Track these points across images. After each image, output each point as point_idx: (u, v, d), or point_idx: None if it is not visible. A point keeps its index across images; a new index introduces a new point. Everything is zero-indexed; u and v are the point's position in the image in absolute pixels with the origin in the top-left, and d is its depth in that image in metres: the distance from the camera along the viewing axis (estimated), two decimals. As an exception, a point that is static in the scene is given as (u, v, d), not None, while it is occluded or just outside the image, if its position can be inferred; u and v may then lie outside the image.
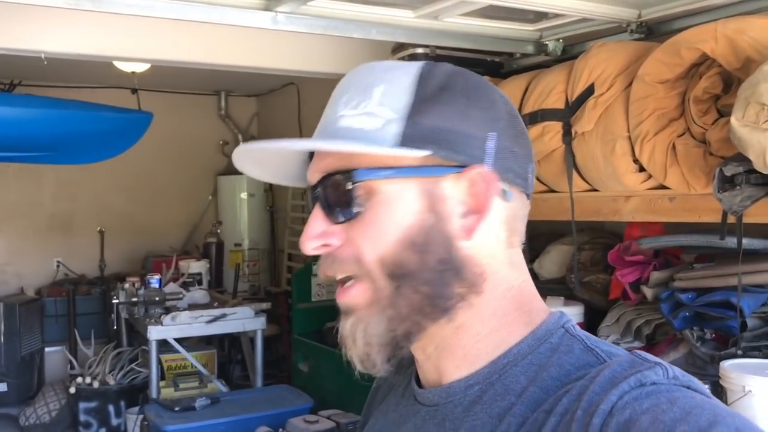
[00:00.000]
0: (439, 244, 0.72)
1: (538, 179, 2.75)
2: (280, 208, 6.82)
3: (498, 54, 3.33)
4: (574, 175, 2.55)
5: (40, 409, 5.26)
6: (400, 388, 0.87)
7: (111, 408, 5.09)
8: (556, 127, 2.56)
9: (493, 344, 0.75)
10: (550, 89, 2.58)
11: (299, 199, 6.38)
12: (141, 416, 4.29)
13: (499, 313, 0.75)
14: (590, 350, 0.72)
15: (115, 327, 5.10)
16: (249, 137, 7.12)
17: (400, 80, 0.75)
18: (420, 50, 3.24)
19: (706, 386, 2.12)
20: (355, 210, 0.73)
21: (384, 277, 0.72)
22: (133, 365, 5.28)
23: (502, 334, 0.75)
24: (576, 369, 0.70)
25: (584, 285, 2.86)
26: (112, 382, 5.11)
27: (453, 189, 0.73)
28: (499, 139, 0.74)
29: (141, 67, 4.91)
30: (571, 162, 2.53)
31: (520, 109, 2.70)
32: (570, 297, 2.81)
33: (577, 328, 0.77)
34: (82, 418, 5.09)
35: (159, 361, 4.55)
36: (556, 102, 2.56)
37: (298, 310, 5.12)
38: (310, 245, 0.74)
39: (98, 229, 6.56)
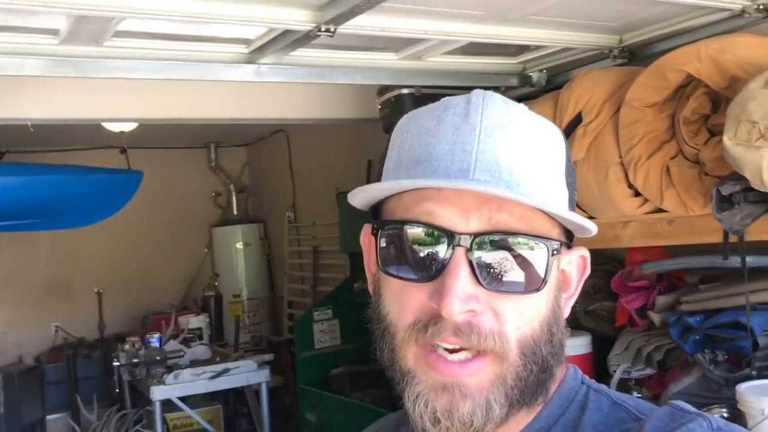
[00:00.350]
0: (561, 322, 0.69)
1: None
2: (277, 256, 6.79)
3: (483, 89, 3.34)
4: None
5: (44, 480, 5.14)
6: None
7: (117, 473, 4.98)
8: (547, 157, 2.55)
9: (530, 408, 0.71)
10: (539, 120, 2.58)
11: (296, 245, 6.35)
12: (149, 480, 4.20)
13: None
14: (618, 406, 0.70)
15: (117, 389, 5.02)
16: (241, 187, 7.12)
17: (557, 138, 0.70)
18: (405, 90, 3.25)
19: (723, 410, 2.08)
20: (538, 284, 0.64)
21: (518, 358, 0.65)
22: (137, 427, 5.17)
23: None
24: (609, 428, 0.67)
25: (589, 314, 2.82)
26: (117, 446, 5.01)
27: (555, 267, 0.69)
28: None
29: (129, 127, 4.92)
30: (565, 191, 2.51)
31: (510, 142, 2.70)
32: (576, 327, 2.76)
33: (593, 381, 0.75)
34: (89, 486, 4.97)
35: (164, 421, 4.47)
36: (546, 133, 2.55)
37: (302, 358, 5.04)
38: (459, 307, 0.62)
39: (96, 290, 6.51)
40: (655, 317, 2.38)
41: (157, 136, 6.06)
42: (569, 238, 0.70)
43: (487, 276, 0.63)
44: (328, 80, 2.58)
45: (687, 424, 0.61)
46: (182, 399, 4.36)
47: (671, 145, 2.20)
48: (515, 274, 0.63)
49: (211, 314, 5.87)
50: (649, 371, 2.43)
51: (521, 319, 0.64)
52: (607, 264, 3.02)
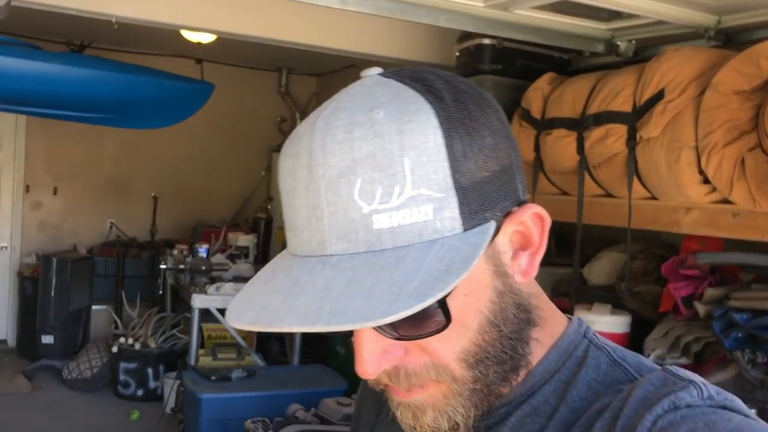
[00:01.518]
0: (513, 304, 0.63)
1: (596, 182, 2.69)
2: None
3: (566, 51, 3.26)
4: (635, 181, 2.48)
5: (82, 364, 5.41)
6: (384, 423, 0.79)
7: (150, 371, 5.20)
8: (620, 130, 2.49)
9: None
10: (618, 91, 2.51)
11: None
12: (178, 382, 4.38)
13: (541, 332, 0.69)
14: (618, 365, 0.67)
15: (160, 292, 5.20)
16: (306, 116, 7.14)
17: (426, 140, 0.58)
18: (487, 41, 3.20)
19: (753, 411, 2.05)
20: (443, 322, 0.59)
21: (466, 371, 0.62)
22: (174, 331, 5.38)
23: (533, 350, 0.68)
24: (604, 387, 0.65)
25: (634, 295, 2.79)
26: (153, 345, 5.21)
27: (504, 238, 0.63)
28: (516, 152, 0.64)
29: (207, 38, 4.96)
30: (633, 167, 2.46)
31: (584, 110, 2.63)
32: (618, 305, 2.74)
33: (600, 336, 0.71)
34: (122, 377, 5.22)
35: (200, 330, 4.62)
36: (623, 105, 2.48)
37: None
38: (372, 371, 0.60)
39: (152, 194, 6.69)
40: (701, 308, 2.34)
41: (233, 53, 6.10)
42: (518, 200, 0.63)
43: (389, 332, 0.59)
44: (411, 18, 2.54)
45: (677, 392, 0.58)
46: (220, 312, 4.49)
47: (751, 137, 2.12)
48: (417, 321, 0.58)
49: (259, 235, 5.99)
50: (683, 361, 2.41)
51: (450, 341, 0.61)
52: (660, 248, 2.97)
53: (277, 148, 6.93)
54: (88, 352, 5.54)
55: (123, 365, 5.22)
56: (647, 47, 2.83)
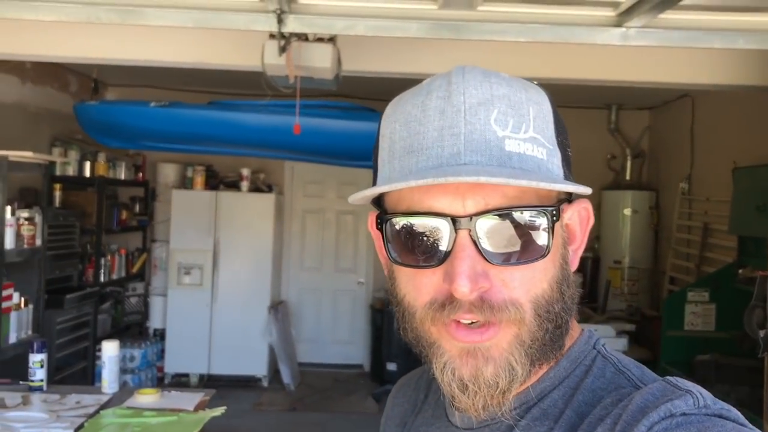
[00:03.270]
0: (570, 277, 0.70)
1: None
2: (665, 228, 6.47)
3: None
4: None
5: (420, 391, 5.90)
6: (429, 409, 0.83)
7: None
8: None
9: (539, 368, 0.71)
10: None
11: (686, 218, 5.98)
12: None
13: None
14: (621, 373, 0.70)
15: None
16: (637, 152, 6.91)
17: (544, 103, 0.69)
18: (813, 57, 2.85)
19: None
20: (543, 251, 0.65)
21: (533, 319, 0.66)
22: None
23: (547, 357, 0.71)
24: (607, 393, 0.68)
25: None
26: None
27: (568, 219, 0.71)
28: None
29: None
30: None
31: None
32: None
33: (609, 348, 0.74)
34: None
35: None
36: None
37: (668, 337, 4.82)
38: (469, 288, 0.63)
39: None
40: None
41: (558, 95, 6.21)
42: (569, 193, 0.70)
43: (491, 253, 0.64)
44: (703, 44, 2.40)
45: (673, 400, 0.60)
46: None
47: None
48: (518, 247, 0.64)
49: (585, 275, 5.93)
50: None
51: (530, 283, 0.66)
52: None
53: (607, 186, 6.81)
54: (426, 380, 6.02)
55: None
56: None
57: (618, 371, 0.71)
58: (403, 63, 3.55)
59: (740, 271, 4.52)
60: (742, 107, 4.97)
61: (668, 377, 0.66)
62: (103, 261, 6.05)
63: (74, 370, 5.25)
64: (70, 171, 5.91)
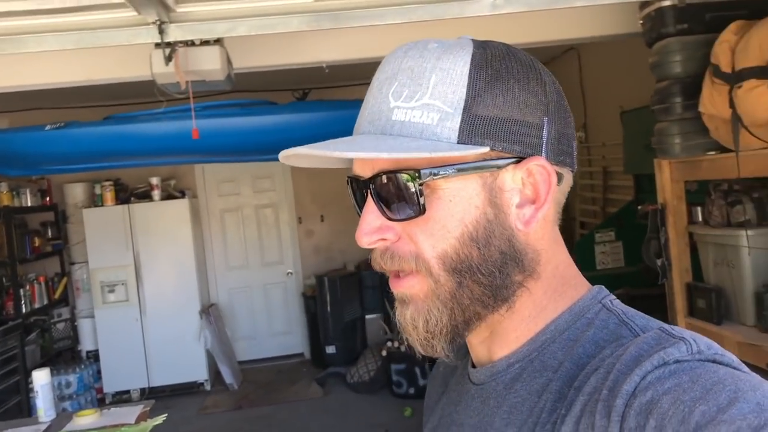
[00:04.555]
0: (500, 236, 0.72)
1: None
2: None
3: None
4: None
5: (361, 369, 6.04)
6: (459, 370, 0.88)
7: (418, 370, 5.65)
8: (812, 69, 2.27)
9: (537, 322, 0.75)
10: (804, 27, 2.29)
11: (587, 165, 6.30)
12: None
13: (549, 292, 0.75)
14: (625, 324, 0.71)
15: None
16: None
17: (455, 68, 0.71)
18: (667, 2, 3.07)
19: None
20: (417, 209, 0.71)
21: (445, 273, 0.71)
22: (434, 331, 5.77)
23: (547, 312, 0.75)
24: (608, 344, 0.69)
25: None
26: (416, 346, 5.66)
27: (511, 180, 0.73)
28: (553, 124, 0.73)
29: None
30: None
31: (772, 54, 2.43)
32: None
33: (616, 302, 0.75)
34: (394, 378, 5.73)
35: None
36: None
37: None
38: (366, 240, 0.72)
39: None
40: None
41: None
42: (541, 153, 0.73)
43: (385, 209, 0.72)
44: (565, 4, 2.57)
45: (666, 348, 0.61)
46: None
47: None
48: (404, 204, 0.71)
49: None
50: None
51: (432, 238, 0.71)
52: None
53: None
54: (366, 357, 6.17)
55: (394, 367, 5.74)
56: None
57: (621, 322, 0.72)
58: (294, 54, 3.61)
59: (639, 207, 4.81)
60: (624, 54, 5.25)
61: (663, 325, 0.67)
62: (22, 291, 5.91)
63: (9, 406, 5.14)
64: (-28, 205, 5.73)
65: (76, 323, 6.71)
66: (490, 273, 0.72)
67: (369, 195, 0.73)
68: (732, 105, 2.71)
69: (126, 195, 6.64)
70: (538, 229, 0.75)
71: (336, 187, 7.37)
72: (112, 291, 6.43)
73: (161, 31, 2.50)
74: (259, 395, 6.27)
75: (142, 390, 6.47)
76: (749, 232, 2.97)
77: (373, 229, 0.73)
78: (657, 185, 3.49)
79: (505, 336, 0.76)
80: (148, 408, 2.92)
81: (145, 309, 6.49)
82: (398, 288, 0.74)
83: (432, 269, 0.72)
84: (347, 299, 6.51)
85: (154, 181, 6.53)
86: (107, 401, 6.40)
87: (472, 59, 0.71)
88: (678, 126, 3.08)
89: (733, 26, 2.75)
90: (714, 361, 0.61)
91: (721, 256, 3.19)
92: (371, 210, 0.73)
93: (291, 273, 7.46)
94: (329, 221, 7.47)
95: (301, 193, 7.45)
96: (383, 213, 0.72)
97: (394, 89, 0.72)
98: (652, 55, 3.17)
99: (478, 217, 0.72)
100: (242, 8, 2.59)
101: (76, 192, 6.67)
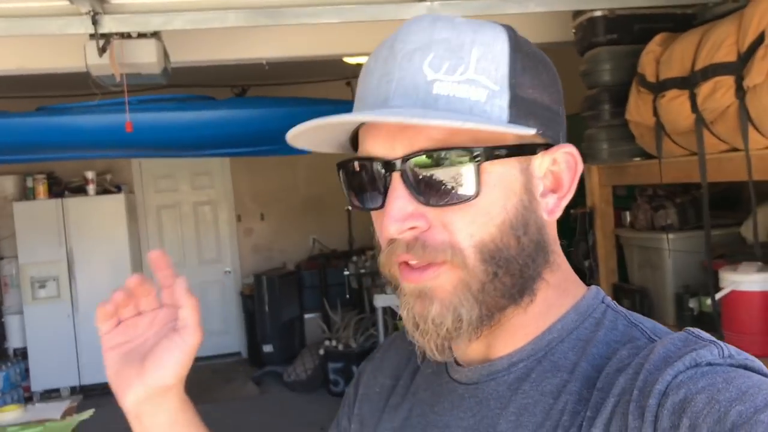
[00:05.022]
0: (533, 224, 0.68)
1: (718, 138, 2.59)
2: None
3: (689, 6, 3.13)
4: (752, 131, 2.36)
5: (299, 367, 6.04)
6: (428, 366, 0.81)
7: (354, 368, 5.67)
8: (727, 82, 2.38)
9: (546, 319, 0.71)
10: (721, 41, 2.41)
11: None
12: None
13: (559, 287, 0.72)
14: (634, 326, 0.70)
15: (348, 296, 5.65)
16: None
17: (495, 44, 0.66)
18: (598, 12, 3.18)
19: None
20: (469, 193, 0.64)
21: (481, 264, 0.65)
22: (372, 330, 5.81)
23: (555, 309, 0.72)
24: (621, 345, 0.67)
25: (782, 249, 2.63)
26: (354, 344, 5.69)
27: (539, 168, 0.69)
28: (564, 116, 0.72)
29: (365, 59, 5.33)
30: (745, 118, 2.35)
31: (692, 66, 2.55)
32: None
33: (615, 303, 0.74)
34: (332, 376, 5.75)
35: (386, 325, 4.97)
36: (727, 55, 2.38)
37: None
38: (396, 228, 0.64)
39: (346, 208, 7.25)
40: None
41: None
42: (556, 140, 0.70)
43: (421, 193, 0.64)
44: (499, 11, 2.64)
45: (698, 350, 0.60)
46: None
47: None
48: (448, 187, 0.64)
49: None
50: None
51: (473, 226, 0.65)
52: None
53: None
54: (303, 356, 6.17)
55: (331, 365, 5.76)
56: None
57: (630, 324, 0.70)
58: (233, 50, 3.60)
59: (571, 211, 4.95)
60: (558, 63, 5.38)
61: (689, 328, 0.65)
62: (-55, 287, 5.70)
63: (-71, 405, 4.95)
64: None
65: (3, 319, 6.51)
66: (525, 264, 0.67)
67: (399, 177, 0.65)
68: (656, 113, 2.82)
69: (60, 188, 6.48)
70: (554, 219, 0.72)
71: (276, 185, 7.34)
72: (42, 287, 6.26)
73: (95, 22, 2.46)
74: (194, 393, 6.10)
75: (73, 388, 6.32)
76: (671, 236, 3.10)
77: (405, 215, 0.65)
78: (586, 189, 3.60)
79: (512, 332, 0.71)
80: (75, 404, 2.87)
81: (77, 306, 6.34)
82: (419, 280, 0.66)
83: (468, 260, 0.65)
84: (286, 298, 6.50)
85: (90, 175, 6.39)
86: (35, 399, 6.22)
87: (508, 38, 0.67)
88: (606, 132, 3.19)
89: (658, 38, 2.87)
90: (745, 367, 0.60)
91: (645, 258, 3.32)
92: (401, 195, 0.65)
93: (229, 271, 7.39)
94: (269, 220, 7.43)
95: (241, 191, 7.39)
96: (416, 197, 0.65)
97: (430, 61, 0.65)
98: (583, 63, 3.28)
99: (517, 204, 0.67)
100: (179, 2, 2.58)
101: (6, 184, 6.48)
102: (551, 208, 0.69)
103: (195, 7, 2.57)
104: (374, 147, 0.67)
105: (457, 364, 0.75)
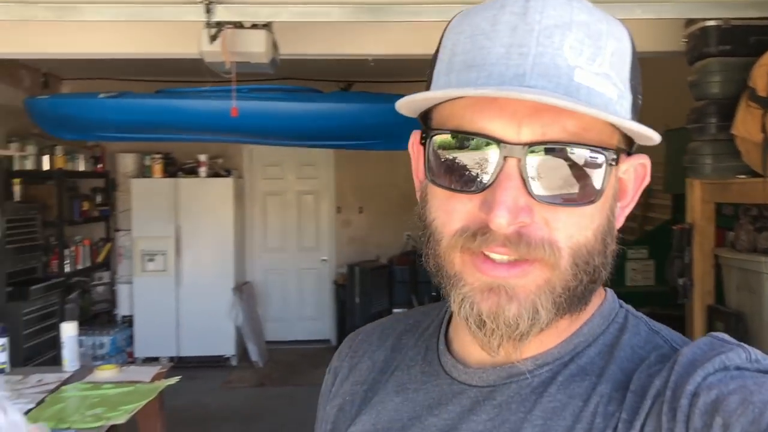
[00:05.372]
0: (614, 233, 0.66)
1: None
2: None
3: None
4: None
5: (384, 360, 6.13)
6: (415, 365, 0.76)
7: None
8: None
9: (576, 322, 0.69)
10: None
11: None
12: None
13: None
14: (656, 333, 0.69)
15: (433, 294, 5.67)
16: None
17: (624, 40, 0.63)
18: (712, 22, 3.06)
19: None
20: (593, 195, 0.61)
21: (571, 267, 0.62)
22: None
23: (584, 312, 0.69)
24: (646, 352, 0.66)
25: None
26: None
27: (620, 170, 0.66)
28: None
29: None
30: None
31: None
32: None
33: (631, 307, 0.74)
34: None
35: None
36: None
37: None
38: (508, 220, 0.59)
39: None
40: None
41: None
42: (629, 145, 0.65)
43: (539, 188, 0.59)
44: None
45: (726, 353, 0.59)
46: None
47: None
48: (569, 186, 0.60)
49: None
50: None
51: (574, 228, 0.61)
52: None
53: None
54: (389, 350, 6.25)
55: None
56: None
57: (652, 330, 0.70)
58: (339, 45, 3.70)
59: (673, 227, 4.77)
60: (669, 72, 5.20)
61: (713, 333, 0.64)
62: (67, 252, 6.16)
63: (44, 359, 5.38)
64: (29, 165, 6.00)
65: (114, 288, 6.97)
66: (599, 271, 0.64)
67: (516, 165, 0.59)
68: (764, 129, 2.70)
69: (174, 169, 6.85)
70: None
71: (376, 180, 7.46)
72: (151, 260, 6.65)
73: (208, 11, 2.62)
74: (282, 375, 6.41)
75: (171, 358, 6.68)
76: (772, 259, 2.95)
77: (519, 207, 0.59)
78: (687, 205, 3.47)
79: (546, 334, 0.66)
80: (165, 369, 3.06)
81: (181, 281, 6.69)
82: (507, 275, 0.61)
83: (561, 260, 0.61)
84: (376, 291, 6.61)
85: (203, 158, 6.72)
86: (137, 365, 6.62)
87: (630, 37, 0.64)
88: (711, 146, 3.07)
89: (773, 51, 2.74)
90: None
91: (744, 281, 3.17)
92: (516, 185, 0.59)
93: (325, 260, 7.58)
94: (367, 213, 7.57)
95: (343, 184, 7.57)
96: (529, 190, 0.60)
97: (571, 43, 0.59)
98: (692, 73, 3.17)
99: (608, 211, 0.64)
100: (288, -5, 2.69)
101: (127, 161, 6.92)
102: (617, 216, 0.67)
103: (301, 1, 2.68)
104: (492, 125, 0.60)
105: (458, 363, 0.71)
